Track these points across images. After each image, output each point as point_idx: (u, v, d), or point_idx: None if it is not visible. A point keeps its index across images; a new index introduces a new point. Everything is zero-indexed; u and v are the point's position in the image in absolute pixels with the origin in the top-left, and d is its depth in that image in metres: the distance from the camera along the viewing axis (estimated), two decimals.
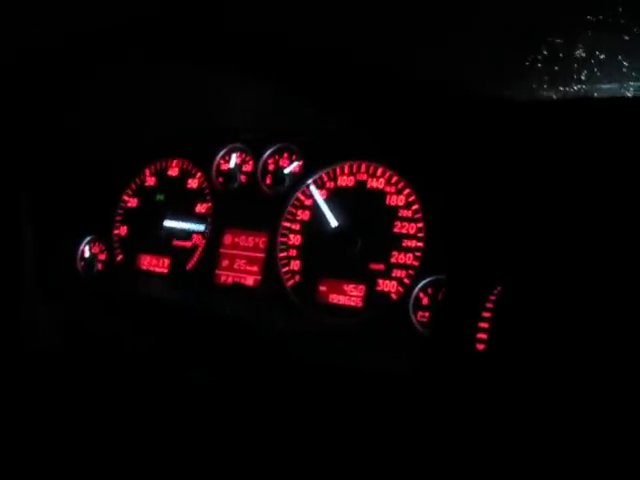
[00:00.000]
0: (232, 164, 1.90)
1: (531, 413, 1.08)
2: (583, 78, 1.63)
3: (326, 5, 1.39)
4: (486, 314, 1.19)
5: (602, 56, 1.59)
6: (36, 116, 1.46)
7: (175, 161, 2.00)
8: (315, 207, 1.74)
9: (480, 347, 1.17)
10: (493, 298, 1.19)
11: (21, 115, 1.42)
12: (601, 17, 1.55)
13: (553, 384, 1.08)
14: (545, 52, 1.65)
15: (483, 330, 1.19)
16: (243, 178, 1.88)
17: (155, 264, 1.95)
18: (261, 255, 1.79)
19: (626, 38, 1.54)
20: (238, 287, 1.76)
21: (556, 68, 1.65)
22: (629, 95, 1.55)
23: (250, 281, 1.78)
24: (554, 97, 1.62)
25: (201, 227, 1.89)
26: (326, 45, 1.38)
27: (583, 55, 1.62)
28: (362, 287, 1.64)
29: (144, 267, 1.96)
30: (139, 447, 1.41)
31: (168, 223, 1.94)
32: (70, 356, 1.42)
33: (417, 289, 1.57)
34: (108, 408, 1.47)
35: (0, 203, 1.13)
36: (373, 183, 1.68)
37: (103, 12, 1.45)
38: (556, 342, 1.10)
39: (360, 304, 1.64)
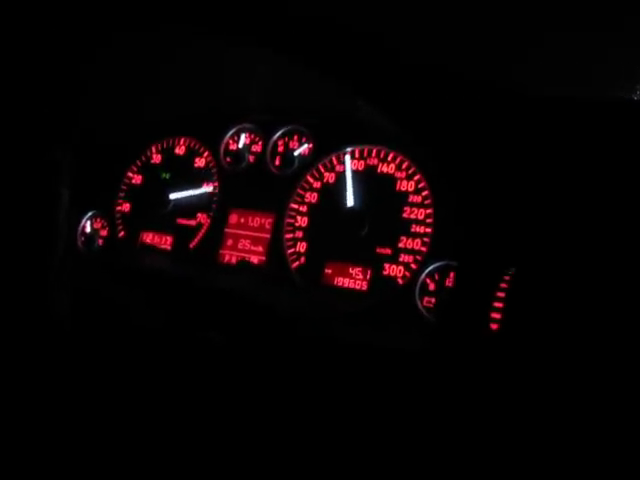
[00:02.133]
0: (241, 144, 1.89)
1: (545, 391, 1.08)
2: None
3: None
4: (500, 294, 1.19)
5: None
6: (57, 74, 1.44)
7: (182, 139, 1.99)
8: (324, 189, 1.74)
9: (494, 327, 1.17)
10: (507, 278, 1.19)
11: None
12: None
13: (567, 362, 1.08)
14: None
15: (497, 310, 1.18)
16: (251, 158, 1.87)
17: (158, 241, 1.94)
18: (266, 236, 1.78)
19: None
20: (244, 264, 1.75)
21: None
22: None
23: (254, 261, 1.77)
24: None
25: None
26: (359, 28, 1.39)
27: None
28: (368, 271, 1.64)
29: (146, 243, 1.95)
30: (144, 423, 1.40)
31: (173, 196, 1.92)
32: (79, 327, 1.40)
33: (424, 275, 1.57)
34: (113, 380, 1.45)
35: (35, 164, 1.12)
36: (383, 168, 1.68)
37: None
38: (570, 321, 1.10)
39: (365, 288, 1.63)
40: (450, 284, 1.51)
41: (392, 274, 1.61)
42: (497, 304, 1.19)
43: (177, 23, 1.50)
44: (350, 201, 1.67)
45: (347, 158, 1.70)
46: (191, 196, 1.92)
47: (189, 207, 1.92)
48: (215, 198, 1.88)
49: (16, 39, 1.47)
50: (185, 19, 1.52)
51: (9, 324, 1.25)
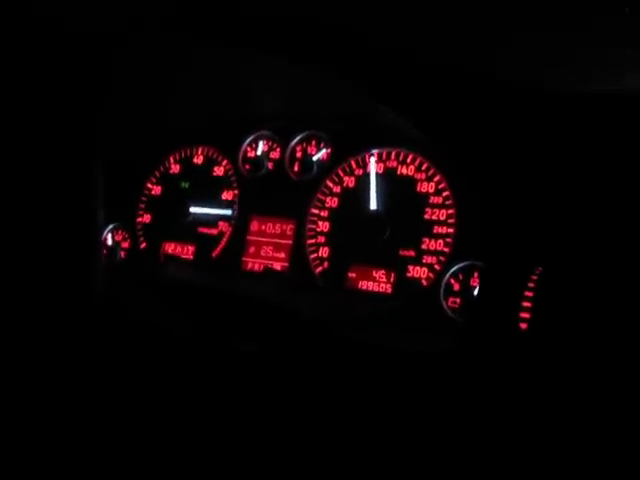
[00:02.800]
0: (259, 151, 1.90)
1: (575, 390, 1.08)
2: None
3: None
4: (528, 294, 1.19)
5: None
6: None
7: (200, 148, 2.00)
8: (344, 193, 1.74)
9: (523, 326, 1.17)
10: (535, 277, 1.19)
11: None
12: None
13: (597, 360, 1.08)
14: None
15: (526, 309, 1.18)
16: (270, 165, 1.88)
17: (180, 251, 1.95)
18: (288, 242, 1.79)
19: None
20: (268, 272, 1.75)
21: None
22: None
23: (278, 267, 1.78)
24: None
25: (228, 212, 1.88)
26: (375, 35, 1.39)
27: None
28: (392, 273, 1.64)
29: (169, 253, 1.96)
30: (173, 430, 1.41)
31: (194, 209, 1.93)
32: (105, 339, 1.42)
33: (448, 275, 1.57)
34: (138, 391, 1.46)
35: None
36: (403, 170, 1.69)
37: None
38: (599, 319, 1.10)
39: (390, 291, 1.64)
40: (475, 284, 1.51)
41: (416, 276, 1.61)
42: (526, 303, 1.19)
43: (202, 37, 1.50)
44: (373, 204, 1.67)
45: (372, 160, 1.71)
46: (211, 209, 1.93)
47: (210, 216, 1.93)
48: (235, 206, 1.89)
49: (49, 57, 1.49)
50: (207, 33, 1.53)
51: (53, 343, 1.26)
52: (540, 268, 1.22)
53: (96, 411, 1.42)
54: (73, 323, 1.10)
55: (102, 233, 2.02)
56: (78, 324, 1.13)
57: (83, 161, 1.14)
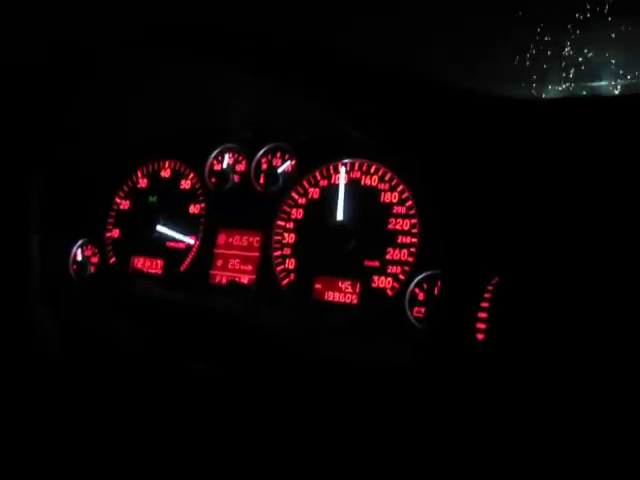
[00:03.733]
0: (225, 164, 1.90)
1: (532, 400, 1.09)
2: (571, 77, 1.66)
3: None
4: (484, 304, 1.20)
5: (590, 54, 1.62)
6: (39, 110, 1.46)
7: (167, 162, 2.00)
8: (309, 205, 1.75)
9: (480, 337, 1.18)
10: (491, 288, 1.20)
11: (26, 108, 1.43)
12: (588, 15, 1.58)
13: (553, 371, 1.09)
14: (534, 51, 1.69)
15: (482, 320, 1.19)
16: (236, 178, 1.88)
17: (148, 266, 1.95)
18: (255, 254, 1.79)
19: (612, 36, 1.57)
20: (234, 285, 1.75)
21: (545, 66, 1.68)
22: (617, 93, 1.58)
23: (245, 280, 1.78)
24: (543, 96, 1.66)
25: (191, 240, 1.89)
26: (325, 42, 1.40)
27: (571, 53, 1.65)
28: (357, 284, 1.65)
29: (137, 268, 1.96)
30: (138, 443, 1.40)
31: (161, 229, 1.93)
32: (68, 357, 1.41)
33: (412, 285, 1.58)
34: (106, 407, 1.46)
35: (7, 195, 1.13)
36: (367, 180, 1.69)
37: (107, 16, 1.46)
38: (554, 329, 1.11)
39: (356, 301, 1.64)
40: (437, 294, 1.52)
41: (381, 286, 1.62)
42: (482, 314, 1.19)
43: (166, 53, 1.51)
44: (340, 215, 1.68)
45: (342, 170, 1.71)
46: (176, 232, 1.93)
47: (177, 229, 1.92)
48: (202, 219, 1.89)
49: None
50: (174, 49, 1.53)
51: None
52: (496, 278, 1.23)
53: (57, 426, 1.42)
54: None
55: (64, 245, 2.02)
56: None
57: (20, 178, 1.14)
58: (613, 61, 1.58)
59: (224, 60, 1.46)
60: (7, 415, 1.17)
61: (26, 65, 1.60)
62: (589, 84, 1.63)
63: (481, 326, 1.19)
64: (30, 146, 1.20)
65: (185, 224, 1.91)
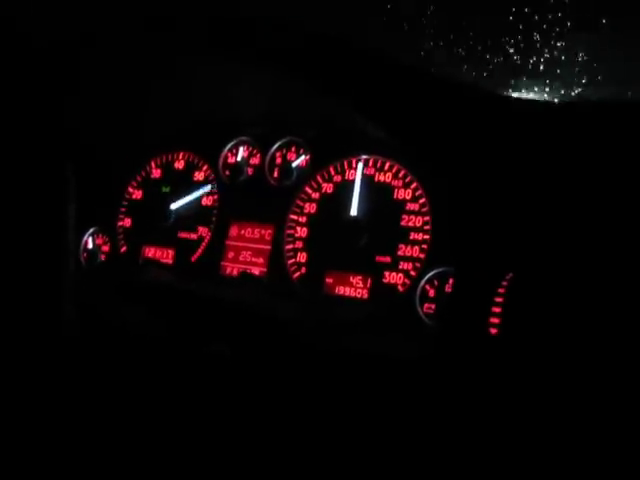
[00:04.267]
0: (239, 157, 1.91)
1: (545, 395, 1.10)
2: (584, 81, 1.68)
3: None
4: (498, 299, 1.21)
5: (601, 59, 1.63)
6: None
7: (181, 154, 2.01)
8: (322, 199, 1.76)
9: (493, 331, 1.19)
10: (505, 283, 1.21)
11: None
12: (604, 20, 1.59)
13: (567, 365, 1.10)
14: (547, 55, 1.70)
15: (496, 314, 1.20)
16: (250, 171, 1.89)
17: (159, 255, 1.96)
18: (267, 247, 1.80)
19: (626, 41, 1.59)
20: (245, 277, 1.76)
21: (558, 71, 1.70)
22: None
23: (256, 272, 1.79)
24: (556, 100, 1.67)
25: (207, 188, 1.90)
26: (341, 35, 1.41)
27: (585, 58, 1.66)
28: (368, 279, 1.66)
29: (148, 258, 1.97)
30: (148, 428, 1.41)
31: (174, 206, 1.95)
32: (84, 343, 1.42)
33: (423, 281, 1.58)
34: (120, 392, 1.47)
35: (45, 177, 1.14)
36: (380, 177, 1.70)
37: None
38: (568, 324, 1.12)
39: (366, 296, 1.65)
40: (449, 290, 1.53)
41: (392, 282, 1.63)
42: (496, 309, 1.20)
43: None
44: (354, 210, 1.69)
45: (360, 166, 1.72)
46: (191, 204, 1.94)
47: (190, 220, 1.93)
48: (215, 211, 1.90)
49: (24, 58, 1.50)
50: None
51: (22, 338, 1.27)
52: (511, 274, 1.24)
53: (73, 415, 1.43)
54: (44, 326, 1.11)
55: (79, 235, 2.03)
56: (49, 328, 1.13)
57: (54, 164, 1.15)
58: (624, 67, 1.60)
59: (245, 54, 1.47)
60: (30, 400, 1.19)
61: (43, 51, 1.61)
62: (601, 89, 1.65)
63: (495, 321, 1.20)
64: (61, 135, 1.22)
65: (197, 216, 1.92)
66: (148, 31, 1.58)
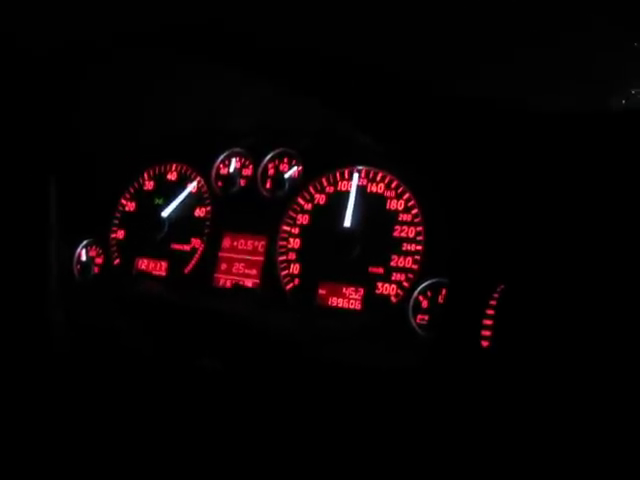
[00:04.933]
0: (232, 168, 1.91)
1: (537, 407, 1.09)
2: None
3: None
4: (489, 311, 1.20)
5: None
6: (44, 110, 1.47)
7: (174, 165, 2.01)
8: (315, 210, 1.75)
9: (485, 344, 1.19)
10: (496, 295, 1.21)
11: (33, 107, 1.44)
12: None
13: (558, 378, 1.09)
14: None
15: (487, 327, 1.20)
16: (243, 182, 1.89)
17: (153, 267, 1.95)
18: (260, 259, 1.79)
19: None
20: (238, 288, 1.76)
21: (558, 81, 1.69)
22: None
23: (249, 284, 1.79)
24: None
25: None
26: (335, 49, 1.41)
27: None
28: (361, 290, 1.65)
29: (141, 270, 1.96)
30: (141, 441, 1.41)
31: (166, 212, 1.95)
32: (77, 355, 1.42)
33: (416, 292, 1.58)
34: (109, 406, 1.46)
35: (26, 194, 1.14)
36: (373, 187, 1.70)
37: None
38: (559, 337, 1.12)
39: (359, 307, 1.65)
40: (443, 301, 1.52)
41: (385, 293, 1.62)
42: (487, 321, 1.20)
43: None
44: (348, 221, 1.68)
45: (355, 177, 1.71)
46: (184, 214, 1.94)
47: (183, 232, 1.93)
48: (208, 222, 1.90)
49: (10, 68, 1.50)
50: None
51: (8, 347, 1.27)
52: (502, 286, 1.23)
53: (64, 427, 1.43)
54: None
55: (68, 246, 2.02)
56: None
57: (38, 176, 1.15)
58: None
59: (241, 64, 1.48)
60: (20, 412, 1.18)
61: (36, 60, 1.61)
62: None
63: (486, 333, 1.20)
64: (47, 146, 1.22)
65: (190, 227, 1.92)
66: (147, 46, 1.58)
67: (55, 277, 1.22)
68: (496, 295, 1.22)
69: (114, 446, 1.41)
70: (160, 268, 1.94)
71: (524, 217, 1.27)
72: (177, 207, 1.95)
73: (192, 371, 1.47)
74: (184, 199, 1.95)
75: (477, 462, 1.16)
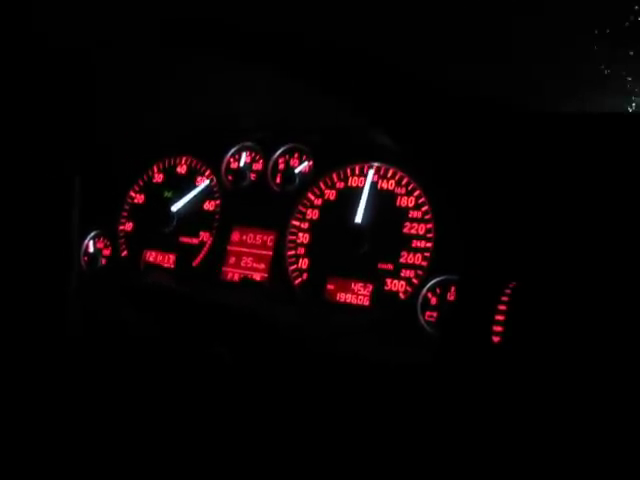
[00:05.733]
0: (242, 163, 1.91)
1: (547, 402, 1.09)
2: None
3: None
4: (501, 307, 1.20)
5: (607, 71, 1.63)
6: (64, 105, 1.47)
7: (184, 158, 2.01)
8: (325, 206, 1.76)
9: (496, 339, 1.19)
10: (508, 291, 1.21)
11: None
12: (607, 31, 1.59)
13: (569, 374, 1.10)
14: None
15: (499, 323, 1.20)
16: (253, 177, 1.89)
17: (161, 260, 1.95)
18: (269, 253, 1.79)
19: (630, 54, 1.59)
20: (246, 282, 1.76)
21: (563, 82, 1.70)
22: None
23: (257, 278, 1.79)
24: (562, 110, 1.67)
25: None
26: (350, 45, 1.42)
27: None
28: (370, 286, 1.65)
29: (149, 262, 1.97)
30: (147, 430, 1.41)
31: (176, 207, 1.95)
32: (87, 344, 1.42)
33: (425, 289, 1.58)
34: (114, 395, 1.46)
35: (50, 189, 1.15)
36: (383, 184, 1.70)
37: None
38: (571, 333, 1.12)
39: (368, 303, 1.65)
40: (452, 298, 1.52)
41: (394, 289, 1.62)
42: (499, 317, 1.20)
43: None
44: (359, 217, 1.68)
45: (370, 173, 1.71)
46: (193, 208, 1.94)
47: (192, 225, 1.93)
48: (217, 216, 1.90)
49: (30, 58, 1.50)
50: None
51: (28, 339, 1.27)
52: (514, 283, 1.24)
53: (74, 415, 1.43)
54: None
55: (80, 239, 2.02)
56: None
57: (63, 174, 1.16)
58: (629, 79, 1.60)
59: (260, 60, 1.48)
60: (33, 398, 1.19)
61: (53, 55, 1.62)
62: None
63: (498, 329, 1.20)
64: (73, 142, 1.22)
65: (200, 221, 1.92)
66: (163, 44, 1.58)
67: (76, 271, 1.23)
68: (508, 291, 1.22)
69: (122, 433, 1.42)
70: (168, 261, 1.94)
71: (535, 214, 1.28)
72: (187, 201, 1.95)
73: (199, 362, 1.47)
74: (195, 194, 1.94)
75: (487, 457, 1.16)
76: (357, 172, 1.74)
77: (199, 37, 1.49)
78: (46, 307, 1.19)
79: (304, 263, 1.75)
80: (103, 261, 2.04)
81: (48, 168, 1.16)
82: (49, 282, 1.19)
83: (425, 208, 1.63)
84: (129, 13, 1.56)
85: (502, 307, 1.20)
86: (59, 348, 1.20)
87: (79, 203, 1.22)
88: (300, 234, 1.77)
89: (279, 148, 1.87)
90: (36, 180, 1.21)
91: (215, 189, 1.94)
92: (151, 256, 1.98)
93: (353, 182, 1.74)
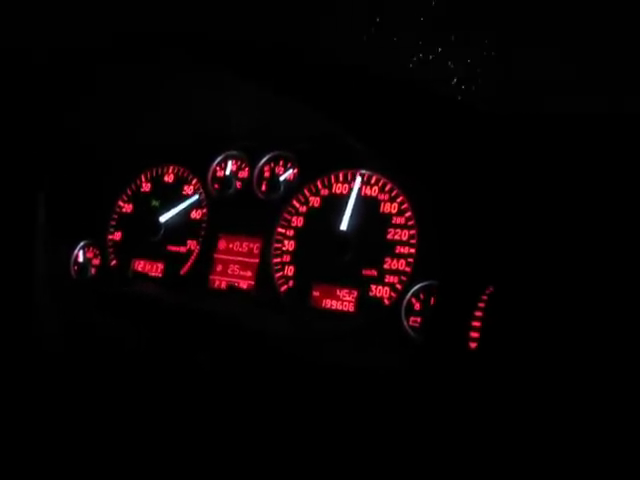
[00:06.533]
0: (228, 171, 1.92)
1: (524, 408, 1.10)
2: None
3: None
4: (478, 313, 1.21)
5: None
6: (41, 116, 1.48)
7: (171, 167, 2.03)
8: (310, 213, 1.77)
9: (473, 345, 1.20)
10: (485, 297, 1.22)
11: (28, 115, 1.45)
12: None
13: (545, 380, 1.10)
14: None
15: (475, 329, 1.21)
16: (239, 185, 1.91)
17: (149, 269, 1.97)
18: (255, 260, 1.81)
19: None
20: (233, 290, 1.77)
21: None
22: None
23: (244, 285, 1.80)
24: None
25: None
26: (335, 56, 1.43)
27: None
28: (355, 292, 1.66)
29: (138, 271, 1.98)
30: (136, 441, 1.42)
31: (164, 218, 1.96)
32: (71, 356, 1.43)
33: (409, 295, 1.59)
34: (106, 404, 1.48)
35: (16, 203, 1.15)
36: (367, 191, 1.71)
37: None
38: (546, 339, 1.13)
39: (353, 309, 1.66)
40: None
41: (378, 295, 1.64)
42: (475, 323, 1.21)
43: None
44: (345, 224, 1.69)
45: (358, 180, 1.72)
46: (180, 215, 1.96)
47: (179, 234, 1.95)
48: (204, 224, 1.92)
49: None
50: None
51: None
52: (491, 288, 1.25)
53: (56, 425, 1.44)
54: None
55: (70, 249, 2.04)
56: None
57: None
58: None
59: (230, 67, 1.49)
60: (9, 413, 1.19)
61: (35, 65, 1.63)
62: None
63: (474, 335, 1.21)
64: (39, 150, 1.23)
65: (186, 229, 1.93)
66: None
67: (43, 277, 1.23)
68: (484, 297, 1.23)
69: (108, 444, 1.43)
70: (156, 269, 1.96)
71: (513, 220, 1.28)
72: (174, 210, 1.96)
73: (186, 371, 1.48)
74: (182, 204, 1.96)
75: (466, 462, 1.17)
76: (341, 179, 1.75)
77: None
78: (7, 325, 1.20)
79: (290, 270, 1.76)
80: (93, 271, 2.05)
81: (9, 185, 1.17)
82: (13, 290, 1.20)
83: (408, 214, 1.65)
84: (115, 22, 1.58)
85: (478, 313, 1.21)
86: (30, 358, 1.21)
87: (43, 218, 1.23)
88: (286, 241, 1.79)
89: (264, 156, 1.89)
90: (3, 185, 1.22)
91: (202, 197, 1.95)
92: (140, 265, 1.99)
93: (337, 189, 1.75)
